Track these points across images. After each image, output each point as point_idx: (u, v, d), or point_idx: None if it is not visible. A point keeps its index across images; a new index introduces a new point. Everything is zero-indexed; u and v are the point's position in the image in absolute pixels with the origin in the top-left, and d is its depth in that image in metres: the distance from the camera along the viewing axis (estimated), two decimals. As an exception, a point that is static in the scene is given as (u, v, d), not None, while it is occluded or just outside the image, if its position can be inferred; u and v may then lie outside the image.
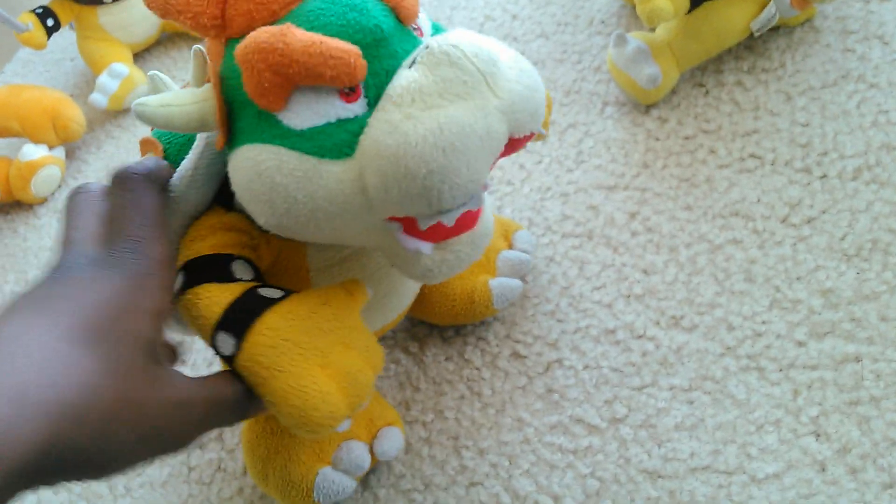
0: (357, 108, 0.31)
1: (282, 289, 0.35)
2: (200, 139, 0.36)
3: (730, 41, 0.62)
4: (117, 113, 0.89)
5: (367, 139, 0.30)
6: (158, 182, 0.35)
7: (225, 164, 0.37)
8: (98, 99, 0.85)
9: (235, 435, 0.53)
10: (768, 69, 0.62)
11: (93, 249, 0.31)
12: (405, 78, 0.31)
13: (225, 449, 0.53)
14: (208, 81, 0.35)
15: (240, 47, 0.31)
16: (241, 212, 0.37)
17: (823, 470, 0.42)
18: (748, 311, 0.49)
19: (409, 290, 0.47)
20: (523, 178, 0.62)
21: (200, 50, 0.37)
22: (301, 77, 0.30)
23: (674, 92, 0.63)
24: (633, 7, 0.71)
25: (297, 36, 0.30)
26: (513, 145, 0.33)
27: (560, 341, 0.51)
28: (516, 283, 0.51)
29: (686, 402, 0.46)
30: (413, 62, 0.31)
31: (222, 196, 0.38)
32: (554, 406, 0.48)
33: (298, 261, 0.40)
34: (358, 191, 0.31)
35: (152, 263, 0.32)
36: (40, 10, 0.88)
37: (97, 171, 0.84)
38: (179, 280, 0.35)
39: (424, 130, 0.29)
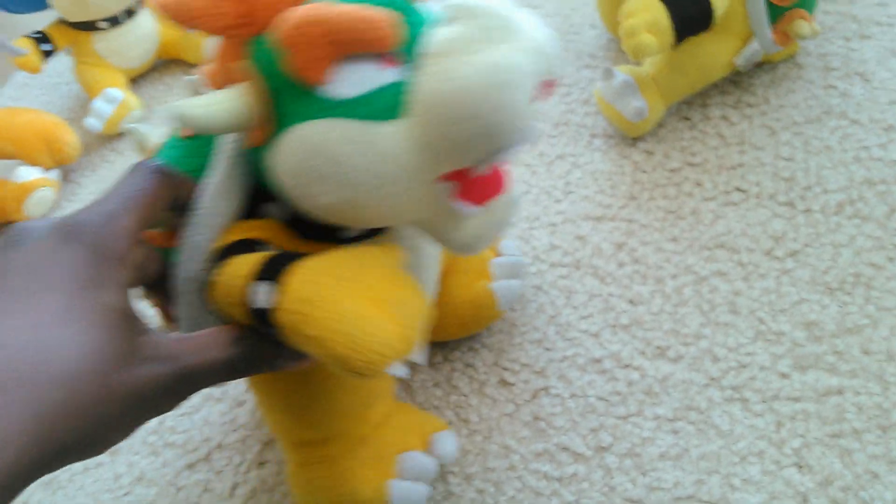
0: (397, 72, 0.32)
1: None
2: (225, 150, 0.37)
3: (714, 76, 0.63)
4: (112, 137, 0.90)
5: (421, 93, 0.32)
6: (166, 178, 0.35)
7: (251, 175, 0.37)
8: (93, 123, 0.86)
9: (223, 456, 0.53)
10: (753, 104, 0.63)
11: (60, 219, 0.31)
12: (444, 33, 0.32)
13: (213, 470, 0.53)
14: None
15: (282, 27, 0.31)
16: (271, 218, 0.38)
17: (805, 502, 0.42)
18: (733, 343, 0.49)
19: (428, 293, 0.47)
20: (512, 207, 0.63)
21: (194, 80, 0.38)
22: (349, 44, 0.31)
23: (660, 125, 0.64)
24: (622, 41, 0.72)
25: (337, 7, 0.31)
26: (546, 86, 0.34)
27: (547, 369, 0.52)
28: (516, 282, 0.52)
29: (671, 432, 0.46)
30: (446, 20, 0.33)
31: (249, 212, 0.38)
32: (540, 434, 0.49)
33: None
34: (417, 147, 0.32)
35: (117, 233, 0.31)
36: (37, 35, 0.89)
37: (92, 193, 0.84)
38: (209, 271, 0.34)
39: (481, 70, 0.30)
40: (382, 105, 0.32)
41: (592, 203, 0.61)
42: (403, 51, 0.33)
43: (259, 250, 0.35)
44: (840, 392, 0.45)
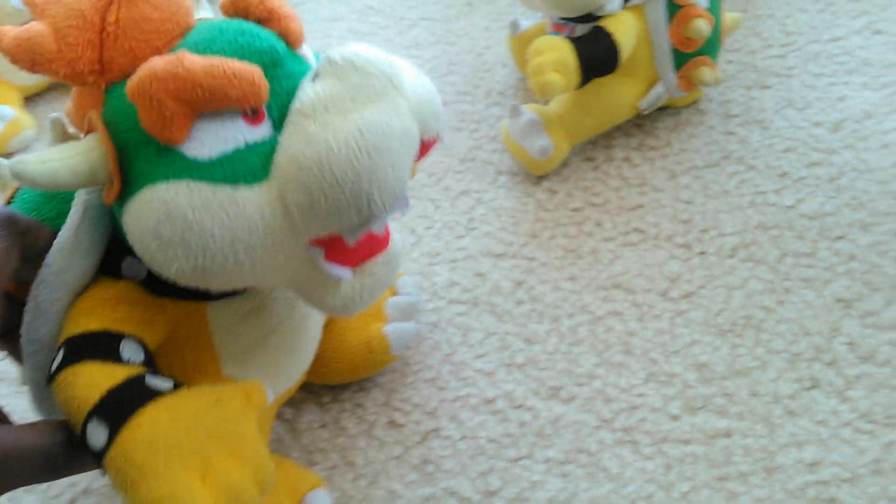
0: (264, 130, 0.30)
1: (172, 380, 0.31)
2: (78, 203, 0.33)
3: (619, 118, 0.64)
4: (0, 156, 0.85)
5: (283, 157, 0.29)
6: (14, 230, 0.32)
7: (108, 228, 0.34)
8: (-22, 141, 0.81)
9: (89, 502, 0.49)
10: (655, 147, 0.64)
11: None
12: (312, 91, 0.30)
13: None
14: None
15: (133, 81, 0.29)
16: (132, 279, 0.35)
17: (692, 548, 0.41)
18: (625, 384, 0.48)
19: (310, 346, 0.45)
20: (414, 242, 0.61)
21: (59, 119, 0.34)
22: (205, 101, 0.28)
23: (565, 164, 0.64)
24: (531, 81, 0.72)
25: (195, 59, 0.28)
26: (422, 148, 0.33)
27: (439, 410, 0.50)
28: (410, 325, 0.50)
29: (560, 476, 0.45)
30: (316, 76, 0.30)
31: (107, 266, 0.35)
32: (428, 478, 0.47)
33: (199, 323, 0.37)
34: (279, 213, 0.30)
35: None
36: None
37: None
38: (59, 357, 0.31)
39: (345, 135, 0.28)
40: (243, 167, 0.30)
41: (494, 240, 0.60)
42: (273, 107, 0.31)
43: (119, 350, 0.32)
44: (728, 434, 0.45)
